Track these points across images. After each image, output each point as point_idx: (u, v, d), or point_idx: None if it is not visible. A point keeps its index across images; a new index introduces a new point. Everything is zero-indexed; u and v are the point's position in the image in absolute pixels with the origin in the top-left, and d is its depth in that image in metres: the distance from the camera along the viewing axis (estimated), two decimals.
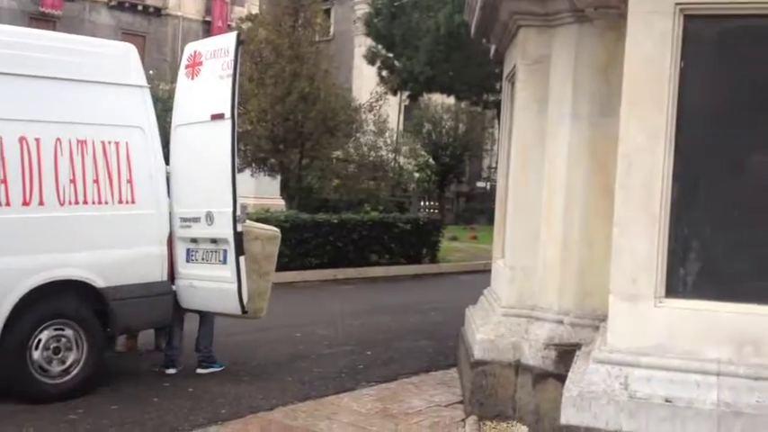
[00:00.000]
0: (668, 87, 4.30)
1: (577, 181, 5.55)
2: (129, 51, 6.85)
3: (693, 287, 4.33)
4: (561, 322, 5.58)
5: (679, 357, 4.23)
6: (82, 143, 6.33)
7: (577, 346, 5.28)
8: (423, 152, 28.25)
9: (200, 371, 6.98)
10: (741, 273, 4.27)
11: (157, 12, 39.72)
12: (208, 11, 41.81)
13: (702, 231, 4.33)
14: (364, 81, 28.85)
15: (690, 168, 4.34)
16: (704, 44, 4.33)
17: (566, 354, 5.35)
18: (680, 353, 4.24)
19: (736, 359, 4.16)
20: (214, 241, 6.79)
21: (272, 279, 7.07)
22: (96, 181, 6.40)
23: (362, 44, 26.89)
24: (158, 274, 6.76)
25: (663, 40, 4.30)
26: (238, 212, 6.61)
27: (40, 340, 6.04)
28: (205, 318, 7.15)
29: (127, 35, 33.17)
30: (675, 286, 4.34)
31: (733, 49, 4.30)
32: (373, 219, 15.34)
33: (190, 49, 7.21)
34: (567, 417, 4.25)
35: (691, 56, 4.32)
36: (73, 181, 6.26)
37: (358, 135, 20.99)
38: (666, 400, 4.12)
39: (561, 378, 4.91)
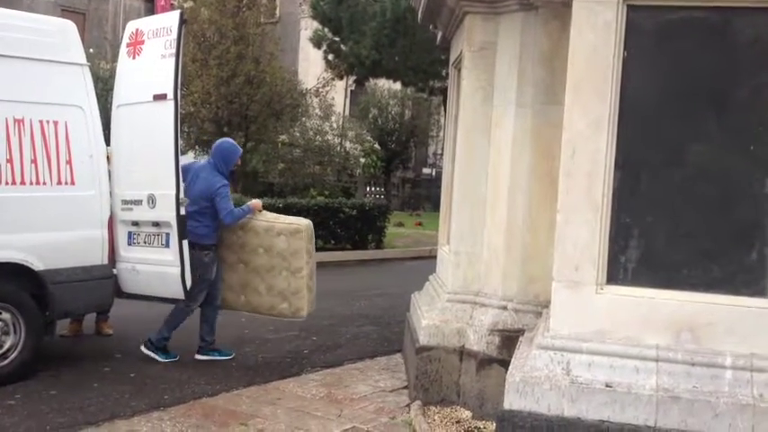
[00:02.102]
0: (611, 77, 4.36)
1: (522, 168, 5.61)
2: (67, 28, 6.67)
3: (634, 275, 4.41)
4: (505, 308, 5.64)
5: (619, 343, 4.31)
6: (19, 122, 6.15)
7: (521, 331, 5.35)
8: (369, 137, 28.21)
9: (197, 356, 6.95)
10: (679, 261, 4.36)
11: None
12: None
13: (643, 220, 4.41)
14: (310, 64, 28.63)
15: (631, 157, 4.41)
16: (647, 35, 4.39)
17: (509, 339, 5.42)
18: (620, 339, 4.32)
19: (674, 345, 4.26)
20: (156, 224, 6.69)
21: (310, 275, 6.76)
22: (34, 161, 6.23)
23: (308, 27, 26.61)
24: (99, 257, 6.63)
25: (606, 31, 4.35)
26: (181, 195, 6.52)
27: None
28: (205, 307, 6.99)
29: (66, 12, 32.23)
30: (616, 274, 4.42)
31: (674, 40, 4.36)
32: (319, 204, 15.31)
33: (131, 27, 7.05)
34: (510, 402, 4.30)
35: (633, 46, 4.38)
36: (10, 161, 6.08)
37: (304, 119, 20.87)
38: (607, 386, 4.20)
39: (505, 363, 4.97)
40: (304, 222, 6.82)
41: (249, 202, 6.98)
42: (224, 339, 7.55)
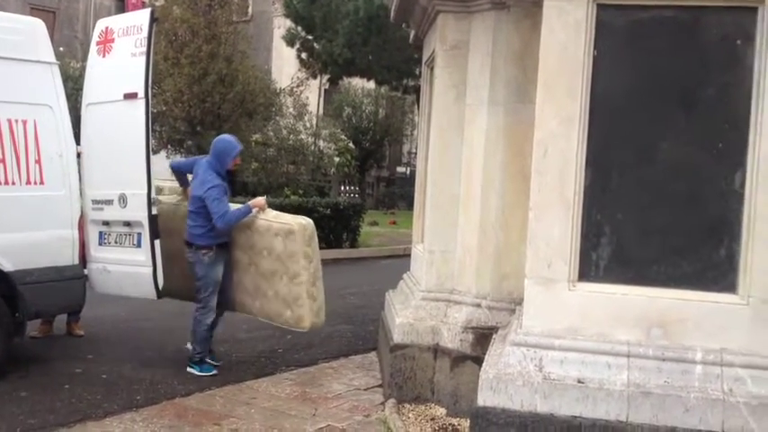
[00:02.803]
0: (582, 75, 4.39)
1: (494, 166, 5.63)
2: (36, 26, 6.60)
3: (605, 271, 4.44)
4: (479, 306, 5.67)
5: (591, 340, 4.34)
6: None
7: (494, 329, 5.38)
8: (343, 136, 28.15)
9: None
10: (650, 257, 4.40)
11: None
12: None
13: (614, 217, 4.44)
14: (284, 63, 28.52)
15: (602, 155, 4.44)
16: (616, 33, 4.42)
17: (483, 337, 5.44)
18: (592, 335, 4.35)
19: (645, 341, 4.30)
20: (128, 224, 6.64)
21: (311, 281, 6.16)
22: (2, 161, 6.16)
23: (282, 26, 26.54)
24: (69, 257, 6.57)
25: (576, 29, 4.38)
26: (153, 195, 6.47)
27: None
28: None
29: (36, 10, 31.77)
30: (588, 270, 4.45)
31: (644, 38, 4.40)
32: (293, 203, 15.22)
33: (101, 25, 7.00)
34: (484, 398, 4.32)
35: (603, 45, 4.41)
36: None
37: (277, 118, 20.78)
38: (579, 382, 4.23)
39: (479, 361, 4.99)
40: (299, 222, 6.22)
41: (250, 201, 6.48)
42: None
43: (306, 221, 6.28)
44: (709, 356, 4.22)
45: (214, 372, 6.43)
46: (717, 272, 4.32)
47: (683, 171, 4.37)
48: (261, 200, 6.49)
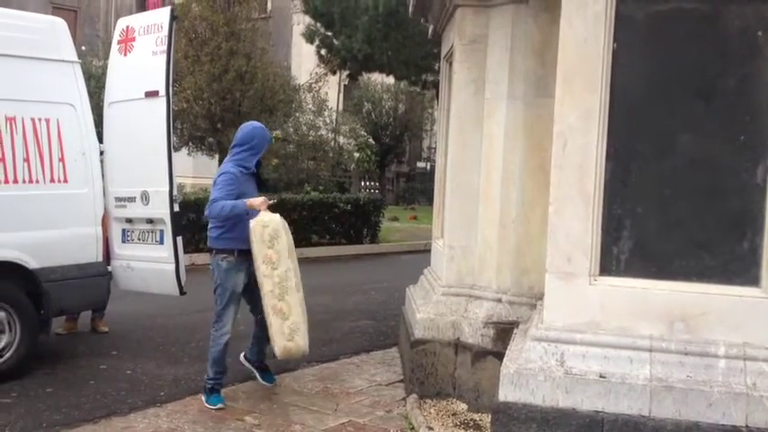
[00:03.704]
0: (601, 69, 4.36)
1: (514, 161, 5.62)
2: (57, 25, 6.68)
3: (626, 265, 4.41)
4: (499, 301, 5.66)
5: (613, 334, 4.31)
6: (11, 120, 6.14)
7: (515, 323, 5.37)
8: (362, 132, 28.19)
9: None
10: (672, 251, 4.37)
11: None
12: None
13: (635, 210, 4.42)
14: (303, 59, 28.60)
15: (622, 148, 4.41)
16: (636, 26, 4.39)
17: (504, 332, 5.43)
18: (614, 329, 4.33)
19: (667, 335, 4.27)
20: (150, 221, 6.70)
21: (276, 294, 5.42)
22: (27, 160, 6.23)
23: (301, 22, 26.62)
24: (93, 254, 6.64)
25: (596, 22, 4.35)
26: (174, 192, 6.52)
27: None
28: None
29: (58, 9, 32.04)
30: (609, 264, 4.42)
31: (664, 30, 4.36)
32: (313, 199, 15.31)
33: (122, 24, 7.07)
34: (505, 393, 4.32)
35: (623, 38, 4.38)
36: (2, 160, 6.08)
37: (297, 114, 20.85)
38: (601, 376, 4.21)
39: (500, 356, 4.97)
40: (258, 218, 5.38)
41: (249, 199, 5.53)
42: None
43: (268, 217, 5.39)
44: (732, 350, 4.18)
45: (220, 405, 5.50)
46: (739, 265, 4.28)
47: (704, 164, 4.33)
48: (257, 199, 5.54)
